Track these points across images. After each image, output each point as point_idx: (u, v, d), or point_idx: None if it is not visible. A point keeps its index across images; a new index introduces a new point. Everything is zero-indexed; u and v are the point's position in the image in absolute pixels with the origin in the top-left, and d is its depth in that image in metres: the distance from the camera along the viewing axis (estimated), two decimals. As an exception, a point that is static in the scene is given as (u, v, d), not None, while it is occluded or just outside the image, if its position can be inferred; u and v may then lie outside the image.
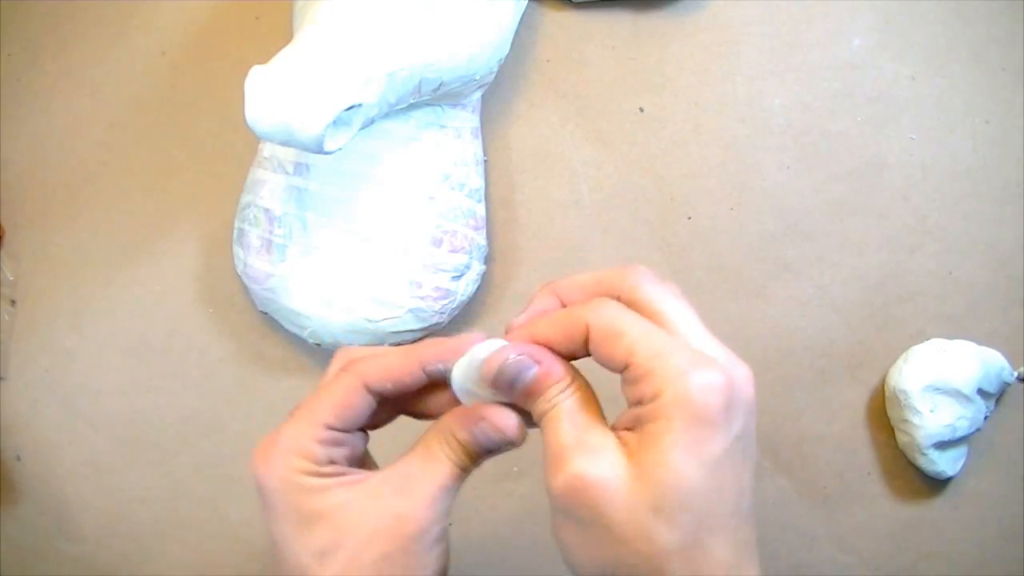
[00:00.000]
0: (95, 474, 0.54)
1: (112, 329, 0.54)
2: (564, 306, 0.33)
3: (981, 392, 0.50)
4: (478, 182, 0.51)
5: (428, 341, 0.34)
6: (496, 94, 0.53)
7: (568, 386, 0.31)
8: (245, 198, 0.50)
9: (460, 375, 0.32)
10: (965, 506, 0.53)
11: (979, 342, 0.51)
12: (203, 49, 0.54)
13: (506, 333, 0.33)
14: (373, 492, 0.31)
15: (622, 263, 0.53)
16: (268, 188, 0.49)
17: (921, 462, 0.51)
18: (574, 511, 0.29)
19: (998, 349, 0.51)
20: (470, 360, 0.32)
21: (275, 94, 0.41)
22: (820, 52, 0.52)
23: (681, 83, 0.53)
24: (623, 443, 0.29)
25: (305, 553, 0.31)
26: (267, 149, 0.50)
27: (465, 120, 0.50)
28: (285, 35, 0.53)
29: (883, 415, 0.53)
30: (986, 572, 0.53)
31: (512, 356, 0.31)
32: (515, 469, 0.53)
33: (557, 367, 0.31)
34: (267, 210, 0.49)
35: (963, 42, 0.52)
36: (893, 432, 0.52)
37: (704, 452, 0.28)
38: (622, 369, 0.30)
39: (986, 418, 0.51)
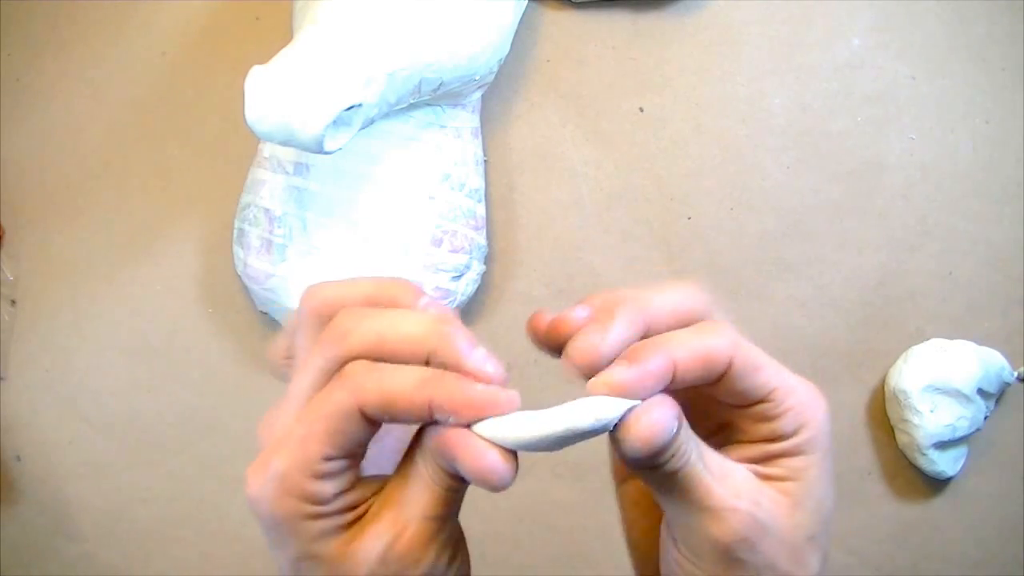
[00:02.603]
0: (95, 474, 0.54)
1: (112, 329, 0.54)
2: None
3: (981, 392, 0.50)
4: (478, 182, 0.51)
5: (443, 378, 0.27)
6: (496, 94, 0.53)
7: (690, 435, 0.28)
8: (245, 198, 0.50)
9: (508, 438, 0.27)
10: (965, 506, 0.53)
11: (979, 342, 0.51)
12: (203, 49, 0.54)
13: (567, 358, 0.28)
14: (368, 531, 0.29)
15: (622, 263, 0.53)
16: (268, 188, 0.49)
17: (921, 462, 0.51)
18: (745, 558, 0.28)
19: (998, 349, 0.51)
20: (541, 437, 0.26)
21: (275, 94, 0.41)
22: (820, 52, 0.52)
23: (681, 83, 0.53)
24: (766, 479, 0.29)
25: None
26: (267, 149, 0.50)
27: (465, 120, 0.50)
28: (285, 35, 0.53)
29: (883, 415, 0.53)
30: (986, 572, 0.53)
31: (664, 420, 0.27)
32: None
33: (677, 413, 0.28)
34: (267, 210, 0.49)
35: (963, 42, 0.52)
36: (893, 432, 0.52)
37: (831, 477, 0.29)
38: (755, 402, 0.29)
39: (986, 418, 0.51)
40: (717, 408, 0.30)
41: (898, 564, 0.53)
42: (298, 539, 0.29)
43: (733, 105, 0.52)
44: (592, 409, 0.26)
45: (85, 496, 0.54)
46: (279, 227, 0.49)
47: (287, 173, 0.49)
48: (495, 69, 0.49)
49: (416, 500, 0.29)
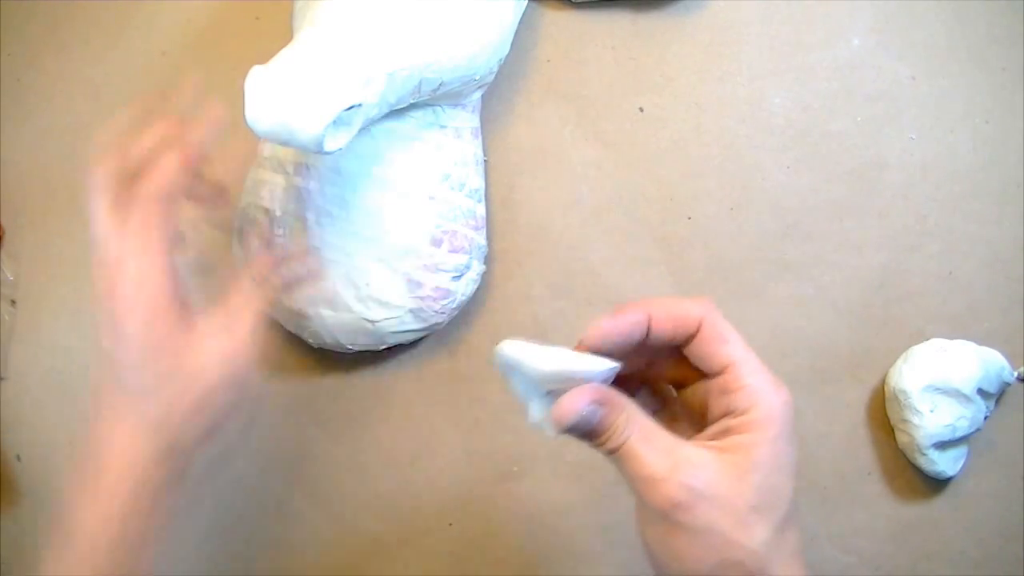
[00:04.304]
0: (95, 474, 0.54)
1: (112, 329, 0.54)
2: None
3: (981, 392, 0.50)
4: (478, 182, 0.51)
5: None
6: (496, 94, 0.53)
7: (629, 417, 0.34)
8: (245, 198, 0.50)
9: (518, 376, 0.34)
10: (965, 506, 0.53)
11: (979, 342, 0.51)
12: (203, 49, 0.54)
13: (579, 344, 0.34)
14: (208, 330, 0.39)
15: (622, 263, 0.53)
16: (268, 188, 0.49)
17: (921, 462, 0.51)
18: (682, 520, 0.32)
19: (998, 349, 0.51)
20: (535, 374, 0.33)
21: (275, 94, 0.41)
22: (820, 52, 0.52)
23: (681, 83, 0.53)
24: (715, 452, 0.33)
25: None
26: (267, 149, 0.50)
27: (465, 120, 0.50)
28: (285, 35, 0.53)
29: (883, 415, 0.53)
30: (986, 572, 0.53)
31: (585, 409, 0.33)
32: (515, 469, 0.53)
33: (618, 400, 0.34)
34: (267, 210, 0.49)
35: (963, 42, 0.52)
36: (893, 432, 0.52)
37: (786, 460, 0.33)
38: (716, 372, 0.34)
39: (986, 418, 0.51)
40: (702, 397, 0.35)
41: (898, 564, 0.53)
42: (153, 327, 0.37)
43: (733, 105, 0.52)
44: (581, 362, 0.33)
45: (85, 496, 0.54)
46: (279, 227, 0.49)
47: (287, 173, 0.49)
48: (495, 69, 0.49)
49: (246, 310, 0.39)
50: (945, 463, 0.51)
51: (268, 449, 0.54)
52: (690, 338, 0.34)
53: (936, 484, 0.53)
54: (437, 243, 0.49)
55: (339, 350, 0.51)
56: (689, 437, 0.34)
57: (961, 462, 0.52)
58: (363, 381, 0.54)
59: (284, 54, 0.42)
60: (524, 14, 0.51)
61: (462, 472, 0.53)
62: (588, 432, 0.34)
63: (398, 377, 0.54)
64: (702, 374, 0.35)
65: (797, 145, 0.52)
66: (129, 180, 0.39)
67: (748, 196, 0.52)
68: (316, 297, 0.49)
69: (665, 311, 0.34)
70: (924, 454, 0.51)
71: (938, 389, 0.50)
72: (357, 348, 0.51)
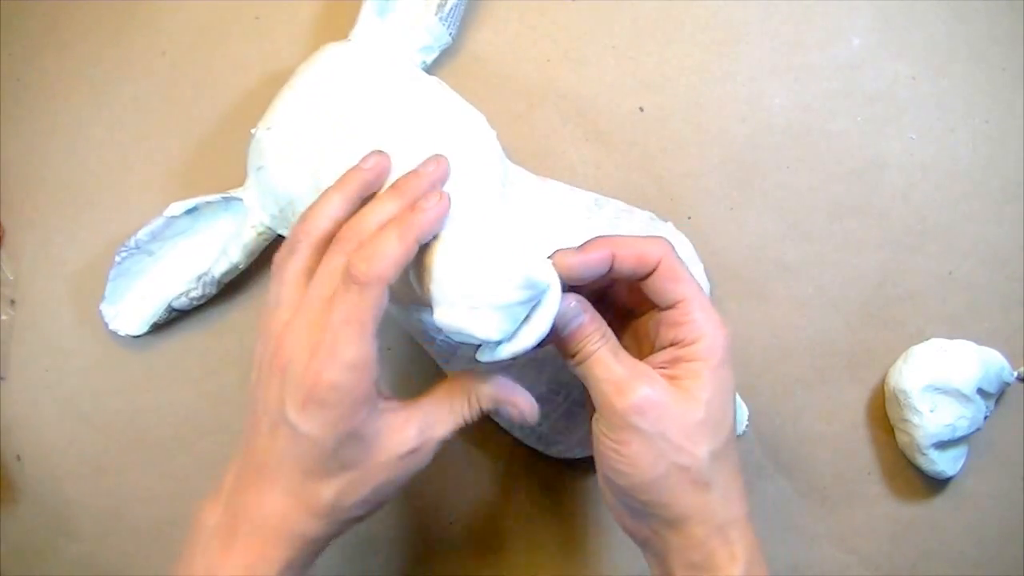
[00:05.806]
0: (95, 474, 0.54)
1: (112, 329, 0.54)
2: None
3: (981, 392, 0.50)
4: None
5: (405, 219, 0.37)
6: (496, 94, 0.53)
7: (604, 332, 0.38)
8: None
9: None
10: (965, 506, 0.53)
11: (979, 342, 0.51)
12: (203, 49, 0.54)
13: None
14: (405, 428, 0.38)
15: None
16: None
17: (921, 462, 0.51)
18: (639, 425, 0.36)
19: (998, 349, 0.51)
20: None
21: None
22: (820, 52, 0.52)
23: (681, 83, 0.53)
24: (670, 379, 0.37)
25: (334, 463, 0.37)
26: None
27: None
28: (285, 35, 0.53)
29: (883, 415, 0.53)
30: (986, 572, 0.53)
31: (573, 303, 0.37)
32: (516, 467, 0.53)
33: (598, 316, 0.38)
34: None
35: (963, 42, 0.52)
36: (893, 432, 0.52)
37: (728, 385, 0.38)
38: (667, 306, 0.38)
39: (986, 418, 0.51)
40: (652, 328, 0.39)
41: (898, 564, 0.53)
42: (356, 416, 0.36)
43: (733, 105, 0.52)
44: (545, 307, 0.36)
45: (85, 496, 0.54)
46: (279, 227, 0.49)
47: None
48: None
49: (442, 423, 0.38)
50: (945, 463, 0.51)
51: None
52: (648, 274, 0.38)
53: (936, 484, 0.53)
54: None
55: None
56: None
57: (961, 462, 0.52)
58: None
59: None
60: (522, 13, 0.51)
61: (462, 469, 0.53)
62: (570, 334, 0.37)
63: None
64: (653, 305, 0.39)
65: (797, 145, 0.52)
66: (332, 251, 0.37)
67: (748, 196, 0.52)
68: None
69: (627, 249, 0.38)
70: (924, 454, 0.51)
71: (938, 389, 0.50)
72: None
